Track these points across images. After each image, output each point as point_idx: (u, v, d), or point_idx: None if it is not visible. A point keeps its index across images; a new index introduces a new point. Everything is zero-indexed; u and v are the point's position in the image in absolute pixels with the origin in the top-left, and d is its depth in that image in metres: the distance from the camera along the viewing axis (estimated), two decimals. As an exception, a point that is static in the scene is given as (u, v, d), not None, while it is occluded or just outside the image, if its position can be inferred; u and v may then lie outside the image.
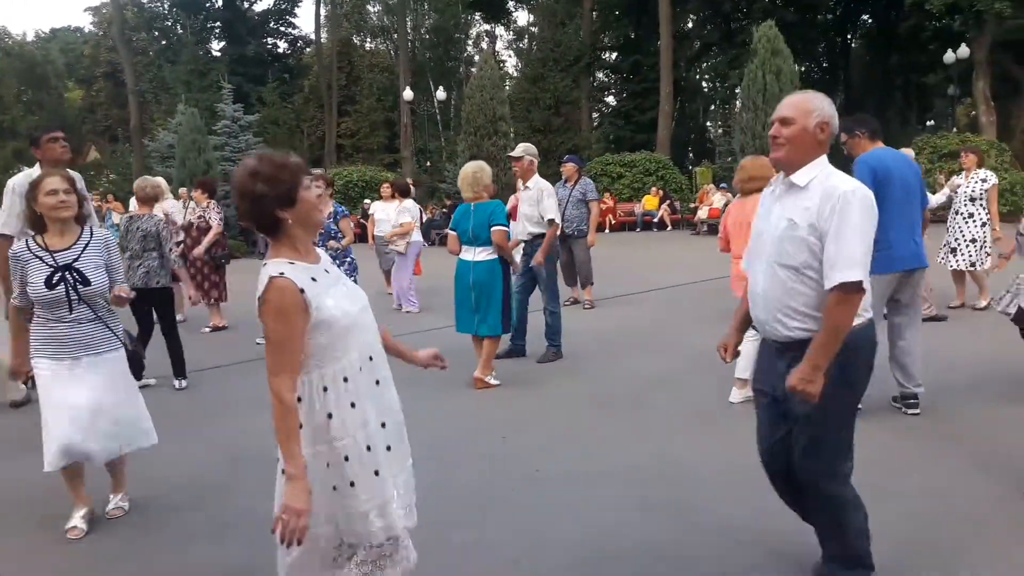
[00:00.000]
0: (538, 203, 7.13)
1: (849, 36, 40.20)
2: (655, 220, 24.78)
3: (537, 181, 7.24)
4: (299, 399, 2.22)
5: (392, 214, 10.83)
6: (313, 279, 2.24)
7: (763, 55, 20.96)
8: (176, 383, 6.62)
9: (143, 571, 3.38)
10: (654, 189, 25.72)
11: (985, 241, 8.30)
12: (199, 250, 8.83)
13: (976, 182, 8.32)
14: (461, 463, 4.52)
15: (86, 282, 3.64)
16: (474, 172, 6.25)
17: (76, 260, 3.66)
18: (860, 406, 4.94)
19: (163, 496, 4.14)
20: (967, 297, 8.54)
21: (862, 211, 2.58)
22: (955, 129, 27.09)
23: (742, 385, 5.30)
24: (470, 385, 6.21)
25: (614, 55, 41.59)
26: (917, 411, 5.04)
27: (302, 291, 2.17)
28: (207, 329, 9.16)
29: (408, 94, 32.00)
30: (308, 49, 47.20)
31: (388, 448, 2.37)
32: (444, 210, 24.43)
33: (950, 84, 28.51)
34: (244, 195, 2.23)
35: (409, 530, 2.47)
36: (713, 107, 45.11)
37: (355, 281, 7.47)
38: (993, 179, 8.33)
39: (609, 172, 26.74)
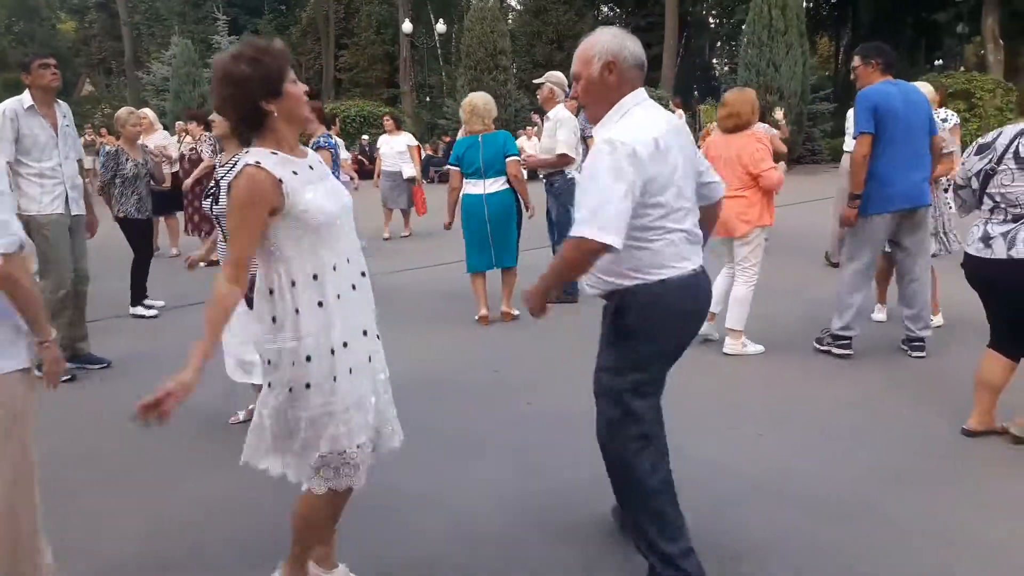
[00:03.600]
0: (555, 133, 6.70)
1: (859, -30, 39.16)
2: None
3: (557, 111, 6.79)
4: (270, 291, 2.21)
5: (398, 146, 11.02)
6: (294, 172, 2.19)
7: (769, -11, 20.44)
8: (133, 309, 6.97)
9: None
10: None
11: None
12: (188, 182, 8.79)
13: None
14: (453, 396, 4.57)
15: None
16: (484, 103, 6.19)
17: None
18: (851, 352, 5.02)
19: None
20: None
21: (610, 165, 2.34)
22: (963, 68, 26.60)
23: (736, 336, 5.32)
24: (469, 321, 6.27)
25: (618, -12, 40.64)
26: (922, 354, 5.04)
27: (280, 181, 2.13)
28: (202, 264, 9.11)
29: (407, 26, 31.36)
30: (305, -20, 46.05)
31: (361, 358, 2.31)
32: (445, 146, 24.14)
33: (960, 22, 27.89)
34: (226, 79, 2.14)
35: (393, 451, 2.46)
36: (719, 43, 44.23)
37: None
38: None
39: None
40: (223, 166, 3.94)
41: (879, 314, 6.05)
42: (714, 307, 5.41)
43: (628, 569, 2.74)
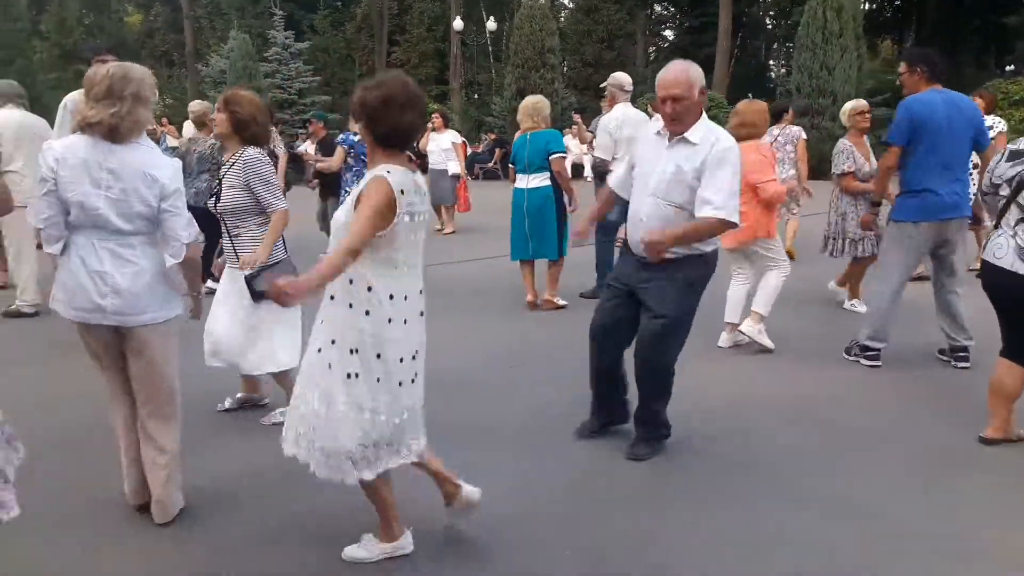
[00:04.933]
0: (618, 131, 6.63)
1: (924, -28, 38.09)
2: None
3: (614, 111, 6.78)
4: (351, 281, 2.50)
5: (444, 143, 11.15)
6: (402, 191, 2.49)
7: (825, -10, 20.04)
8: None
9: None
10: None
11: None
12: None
13: (986, 135, 7.74)
14: (473, 391, 4.58)
15: None
16: (534, 103, 6.54)
17: None
18: (879, 363, 4.92)
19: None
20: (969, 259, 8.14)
21: (736, 162, 3.41)
22: (1030, 74, 25.66)
23: (731, 329, 5.46)
24: (504, 312, 6.63)
25: (673, -13, 40.23)
26: (967, 364, 4.94)
27: (402, 192, 2.48)
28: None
29: (458, 24, 31.48)
30: (361, -24, 46.57)
31: (414, 376, 2.65)
32: (492, 143, 24.18)
33: (1029, 25, 26.94)
34: (404, 105, 2.51)
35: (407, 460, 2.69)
36: (776, 44, 43.47)
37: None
38: (1001, 126, 7.66)
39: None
40: (225, 164, 4.00)
41: (860, 307, 6.35)
42: (731, 317, 5.42)
43: (636, 547, 2.72)
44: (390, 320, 2.52)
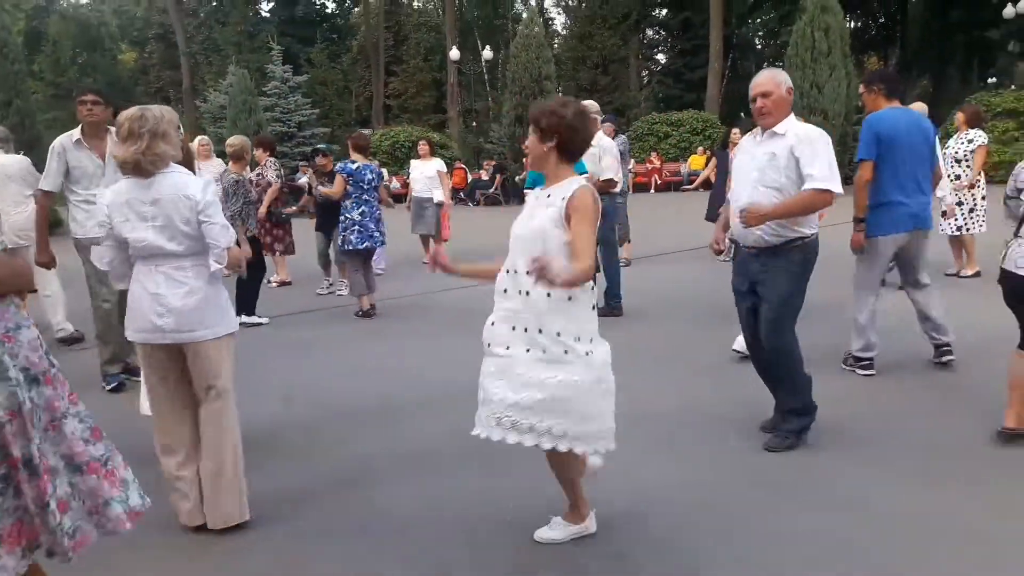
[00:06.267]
0: (599, 160, 7.03)
1: (907, -10, 38.85)
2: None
3: (600, 139, 7.06)
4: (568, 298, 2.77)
5: (428, 171, 10.85)
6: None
7: (812, 11, 20.54)
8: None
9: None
10: (700, 149, 25.50)
11: (974, 205, 8.03)
12: (261, 211, 8.71)
13: (963, 142, 8.04)
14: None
15: None
16: None
17: None
18: (873, 371, 5.09)
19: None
20: (951, 264, 8.37)
21: (828, 141, 3.81)
22: (1013, 86, 26.19)
23: None
24: None
25: (664, 11, 40.89)
26: (953, 357, 5.16)
27: None
28: (272, 283, 9.48)
29: (455, 53, 31.98)
30: (356, 9, 47.29)
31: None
32: (493, 169, 24.51)
33: (1012, 39, 27.51)
34: (578, 128, 2.83)
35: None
36: (766, 64, 44.12)
37: (381, 232, 7.83)
38: (980, 139, 7.98)
39: (656, 131, 26.57)
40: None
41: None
42: None
43: (617, 554, 2.96)
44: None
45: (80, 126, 5.33)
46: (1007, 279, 3.84)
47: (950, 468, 3.70)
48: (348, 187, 7.71)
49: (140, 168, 3.09)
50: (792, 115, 3.89)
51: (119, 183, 3.21)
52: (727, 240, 4.33)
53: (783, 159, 3.78)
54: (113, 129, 4.25)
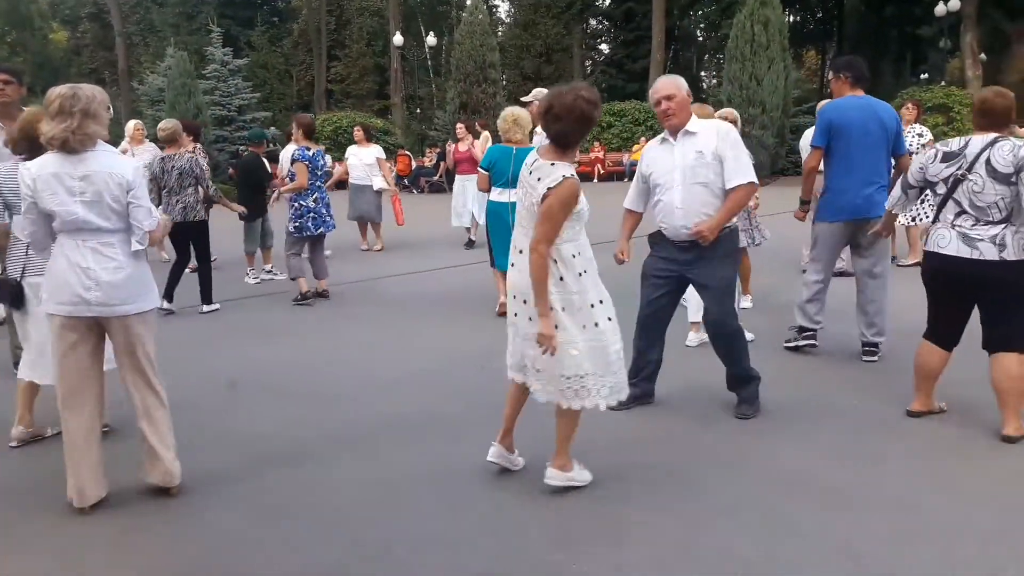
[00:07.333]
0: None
1: (844, -14, 39.76)
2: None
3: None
4: (554, 261, 3.14)
5: (367, 158, 10.84)
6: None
7: (752, 5, 20.93)
8: (202, 308, 7.34)
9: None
10: (643, 139, 25.77)
11: (924, 196, 8.33)
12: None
13: (912, 136, 8.33)
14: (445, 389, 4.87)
15: None
16: (515, 116, 6.48)
17: None
18: (815, 342, 5.30)
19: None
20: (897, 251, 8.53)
21: (740, 139, 4.20)
22: (943, 82, 27.12)
23: (697, 328, 5.63)
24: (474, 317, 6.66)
25: (607, 1, 41.09)
26: (874, 359, 5.25)
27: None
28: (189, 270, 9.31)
29: (398, 39, 31.66)
30: (297, -9, 46.37)
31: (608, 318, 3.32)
32: (437, 156, 24.37)
33: (943, 36, 28.43)
34: (579, 115, 3.13)
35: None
36: (707, 57, 44.79)
37: (331, 216, 7.86)
38: (928, 135, 8.40)
39: (599, 121, 26.69)
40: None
41: (745, 303, 6.62)
42: (695, 317, 5.63)
43: (599, 524, 3.06)
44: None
45: None
46: (930, 260, 4.05)
47: (880, 444, 3.92)
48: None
49: (68, 146, 3.13)
50: (693, 114, 4.17)
51: (43, 156, 3.22)
52: (631, 250, 4.48)
53: (709, 155, 4.05)
54: (27, 109, 4.25)
